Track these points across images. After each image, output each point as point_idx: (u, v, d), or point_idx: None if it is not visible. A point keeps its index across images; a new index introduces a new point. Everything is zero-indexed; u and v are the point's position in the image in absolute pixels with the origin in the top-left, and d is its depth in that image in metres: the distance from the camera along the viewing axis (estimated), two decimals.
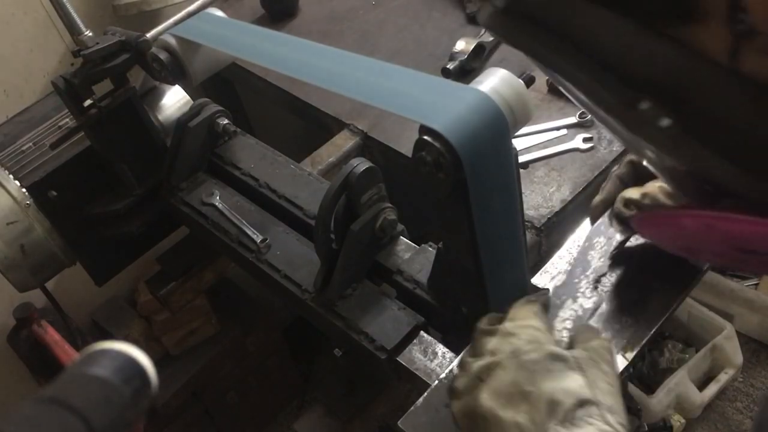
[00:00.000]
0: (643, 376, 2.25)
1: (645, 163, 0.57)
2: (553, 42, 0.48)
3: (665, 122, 0.45)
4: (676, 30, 0.43)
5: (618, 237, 1.01)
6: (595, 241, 1.03)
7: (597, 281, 0.99)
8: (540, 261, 1.15)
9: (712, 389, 2.22)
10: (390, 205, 1.08)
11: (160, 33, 1.26)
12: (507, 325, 0.76)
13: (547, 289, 0.93)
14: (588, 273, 1.00)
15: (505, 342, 0.74)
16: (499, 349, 0.73)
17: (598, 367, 0.72)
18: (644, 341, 0.98)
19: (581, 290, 0.98)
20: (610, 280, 0.98)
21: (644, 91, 0.45)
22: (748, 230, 0.49)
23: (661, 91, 0.45)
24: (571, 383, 0.69)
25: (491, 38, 1.65)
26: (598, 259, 1.01)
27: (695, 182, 0.54)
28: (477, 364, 0.74)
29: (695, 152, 0.47)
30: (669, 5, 0.43)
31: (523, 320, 0.77)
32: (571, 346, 0.77)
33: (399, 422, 0.92)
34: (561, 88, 0.54)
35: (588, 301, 0.97)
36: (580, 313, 0.95)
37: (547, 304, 0.82)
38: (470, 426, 0.73)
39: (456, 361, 0.78)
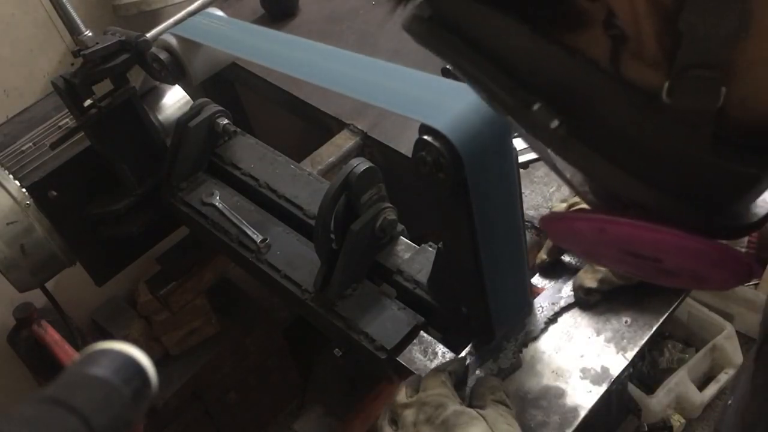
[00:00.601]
0: (643, 376, 2.24)
1: (548, 167, 0.59)
2: (460, 46, 0.50)
3: (554, 124, 0.47)
4: (565, 37, 0.45)
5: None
6: None
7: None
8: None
9: (712, 389, 2.22)
10: (390, 205, 1.08)
11: (160, 33, 1.26)
12: (421, 395, 0.87)
13: (464, 358, 0.99)
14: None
15: (420, 412, 0.85)
16: (417, 418, 0.85)
17: (496, 411, 0.85)
18: (644, 341, 0.98)
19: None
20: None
21: (537, 94, 0.47)
22: (635, 233, 0.50)
23: (553, 93, 0.47)
24: (476, 429, 0.81)
25: None
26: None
27: (594, 190, 0.56)
28: None
29: (582, 155, 0.48)
30: (555, 13, 0.44)
31: (432, 389, 0.87)
32: (472, 397, 0.90)
33: None
34: (474, 92, 0.56)
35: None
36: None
37: (459, 370, 0.92)
38: None
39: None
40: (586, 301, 1.02)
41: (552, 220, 0.60)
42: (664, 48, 0.41)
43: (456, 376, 0.91)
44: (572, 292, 1.03)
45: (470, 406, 0.88)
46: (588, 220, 0.55)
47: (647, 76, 0.43)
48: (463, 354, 1.01)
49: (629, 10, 0.41)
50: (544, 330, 1.01)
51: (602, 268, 1.00)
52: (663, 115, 0.43)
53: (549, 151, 0.52)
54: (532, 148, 0.62)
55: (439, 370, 0.92)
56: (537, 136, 0.50)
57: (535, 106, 0.47)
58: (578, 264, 1.06)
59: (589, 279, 1.01)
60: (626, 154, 0.47)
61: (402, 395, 0.90)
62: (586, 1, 0.43)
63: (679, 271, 0.53)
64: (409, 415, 0.86)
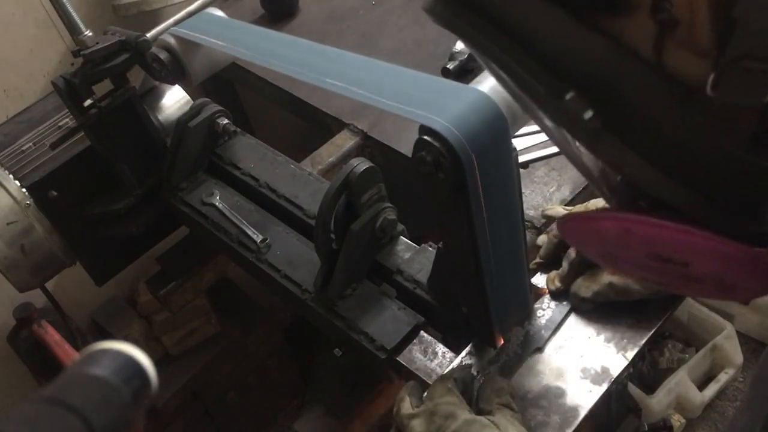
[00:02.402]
0: (643, 376, 2.24)
1: (570, 160, 0.57)
2: (488, 29, 0.48)
3: (588, 115, 0.45)
4: (604, 22, 0.43)
5: None
6: None
7: None
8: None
9: (712, 389, 2.22)
10: (390, 205, 1.08)
11: (160, 33, 1.26)
12: (428, 405, 0.86)
13: (469, 365, 0.99)
14: None
15: (430, 422, 0.83)
16: (424, 429, 0.83)
17: (505, 417, 0.84)
18: (644, 341, 0.98)
19: None
20: None
21: (570, 82, 0.45)
22: (664, 235, 0.48)
23: (587, 83, 0.45)
24: None
25: None
26: None
27: (616, 185, 0.54)
28: None
29: (614, 149, 0.46)
30: None
31: (440, 398, 0.86)
32: (479, 399, 0.89)
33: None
34: (494, 77, 0.54)
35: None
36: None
37: (466, 377, 0.92)
38: None
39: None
40: (579, 308, 1.02)
41: (572, 219, 0.58)
42: (715, 36, 0.39)
43: (462, 382, 0.90)
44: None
45: (477, 408, 0.87)
46: (614, 219, 0.52)
47: (693, 66, 0.41)
48: (463, 354, 1.01)
49: None
50: (548, 340, 1.01)
51: (601, 280, 0.99)
52: (704, 109, 0.41)
53: (575, 143, 0.50)
54: (553, 140, 0.60)
55: (445, 377, 0.91)
56: (566, 127, 0.48)
57: (568, 95, 0.45)
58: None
59: (585, 288, 1.00)
60: (660, 149, 0.45)
61: (407, 405, 0.87)
62: None
63: (705, 278, 0.51)
64: (417, 425, 0.84)
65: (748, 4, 0.37)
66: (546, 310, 1.03)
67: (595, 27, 0.43)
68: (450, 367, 0.99)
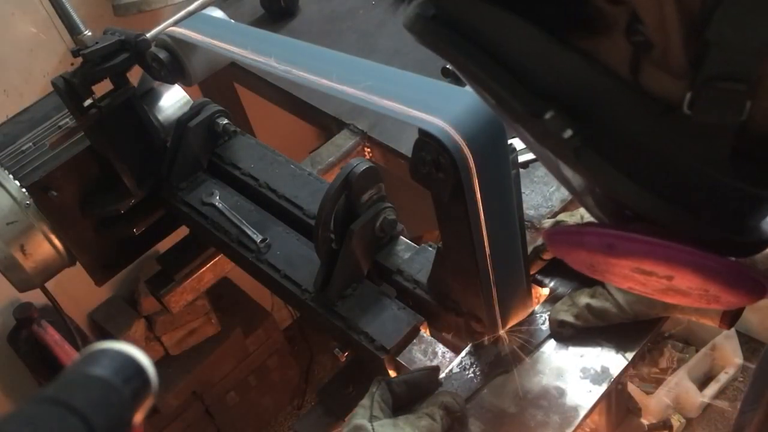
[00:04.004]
0: (643, 376, 2.25)
1: (553, 175, 0.57)
2: (467, 48, 0.48)
3: (567, 133, 0.45)
4: (582, 41, 0.43)
5: None
6: None
7: None
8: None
9: (712, 389, 2.22)
10: (390, 204, 1.08)
11: (160, 33, 1.25)
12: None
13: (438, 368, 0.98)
14: None
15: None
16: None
17: (409, 422, 0.87)
18: (644, 341, 0.98)
19: None
20: None
21: (549, 101, 0.46)
22: (646, 250, 0.49)
23: (566, 101, 0.45)
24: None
25: None
26: None
27: (599, 201, 0.54)
28: None
29: (595, 166, 0.46)
30: (575, 16, 0.43)
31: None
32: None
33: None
34: (477, 94, 0.54)
35: None
36: None
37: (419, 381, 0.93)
38: None
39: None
40: (558, 334, 0.99)
41: (557, 233, 0.58)
42: (689, 57, 0.39)
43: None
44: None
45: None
46: (597, 234, 0.53)
47: (668, 86, 0.41)
48: (463, 354, 1.01)
49: (656, 17, 0.39)
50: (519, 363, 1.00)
51: (580, 302, 0.98)
52: (681, 128, 0.42)
53: (557, 160, 0.51)
54: (537, 156, 0.60)
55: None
56: (547, 145, 0.48)
57: (548, 115, 0.45)
58: None
59: (565, 312, 0.99)
60: (640, 166, 0.45)
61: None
62: (609, 4, 0.41)
63: (690, 290, 0.51)
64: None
65: (722, 25, 0.37)
66: (523, 333, 1.02)
67: (572, 46, 0.44)
68: (449, 368, 0.99)
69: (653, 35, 0.40)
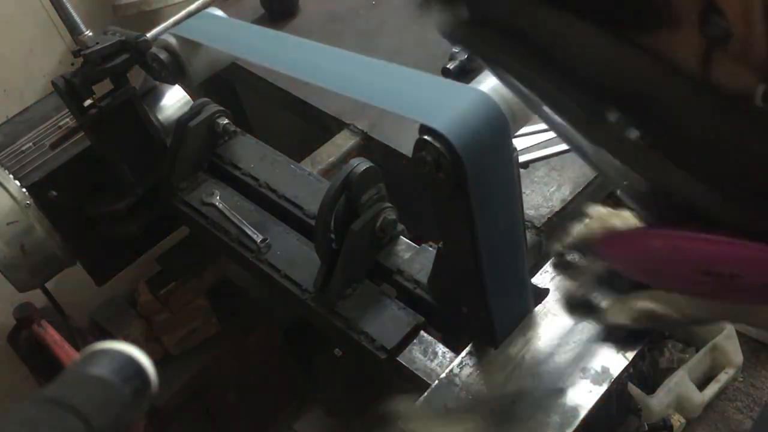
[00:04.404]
0: (643, 376, 2.24)
1: (606, 182, 0.55)
2: (519, 51, 0.46)
3: (633, 134, 0.44)
4: (647, 38, 0.42)
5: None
6: None
7: None
8: (540, 261, 1.15)
9: (712, 389, 2.22)
10: (390, 205, 1.08)
11: (160, 33, 1.26)
12: None
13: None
14: None
15: None
16: None
17: None
18: (644, 341, 0.98)
19: None
20: None
21: (609, 102, 0.44)
22: (717, 250, 0.48)
23: (626, 101, 0.44)
24: None
25: None
26: None
27: (660, 202, 0.53)
28: None
29: (661, 167, 0.45)
30: (640, 11, 0.41)
31: None
32: None
33: (399, 422, 0.92)
34: (522, 101, 0.52)
35: None
36: None
37: None
38: None
39: None
40: (612, 334, 0.96)
41: (617, 238, 0.56)
42: None
43: None
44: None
45: None
46: (663, 236, 0.51)
47: (742, 78, 0.40)
48: (463, 354, 1.01)
49: (740, 6, 0.37)
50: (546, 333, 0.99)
51: (639, 306, 0.92)
52: (751, 120, 0.40)
53: (613, 163, 0.48)
54: (588, 161, 0.58)
55: None
56: (608, 148, 0.46)
57: (612, 117, 0.44)
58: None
59: (621, 316, 0.93)
60: (705, 162, 0.44)
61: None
62: None
63: (757, 288, 0.50)
64: None
65: None
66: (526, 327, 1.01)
67: (632, 43, 0.42)
68: (449, 368, 0.99)
69: (734, 26, 0.39)
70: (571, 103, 0.46)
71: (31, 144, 1.35)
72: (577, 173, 1.36)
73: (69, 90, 1.23)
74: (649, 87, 0.43)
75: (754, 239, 0.46)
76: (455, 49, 1.61)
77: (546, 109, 0.50)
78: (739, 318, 0.91)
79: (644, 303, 0.92)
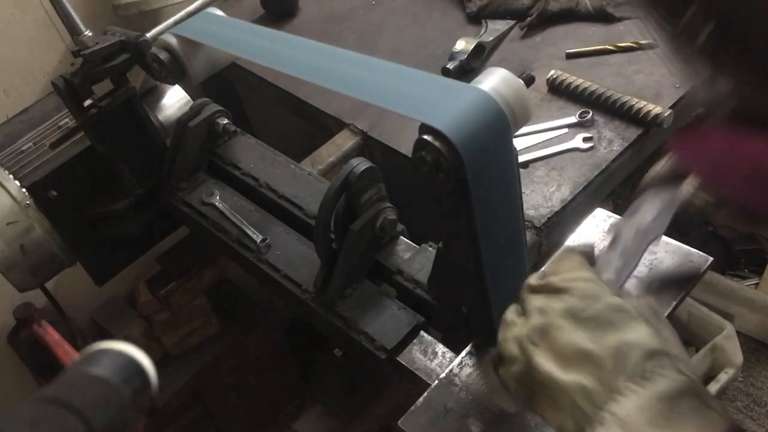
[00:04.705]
0: None
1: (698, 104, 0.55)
2: None
3: (708, 29, 0.44)
4: None
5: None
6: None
7: None
8: (540, 261, 1.15)
9: (712, 389, 2.22)
10: (390, 204, 1.08)
11: (160, 33, 1.26)
12: (554, 280, 0.70)
13: (592, 244, 0.84)
14: None
15: (556, 300, 0.68)
16: (551, 308, 0.68)
17: (658, 317, 0.67)
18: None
19: None
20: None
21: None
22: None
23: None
24: (638, 334, 0.62)
25: (491, 38, 1.65)
26: None
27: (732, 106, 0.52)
28: (528, 326, 0.69)
29: (734, 64, 0.46)
30: None
31: (570, 272, 0.70)
32: None
33: (399, 422, 0.92)
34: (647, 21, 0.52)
35: None
36: None
37: (590, 254, 0.75)
38: (527, 394, 0.68)
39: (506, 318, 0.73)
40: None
41: (684, 132, 0.54)
42: None
43: (589, 259, 0.74)
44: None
45: None
46: (719, 138, 0.50)
47: None
48: (463, 354, 1.01)
49: None
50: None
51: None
52: None
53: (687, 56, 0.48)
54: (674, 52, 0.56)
55: (571, 249, 0.74)
56: (690, 46, 0.46)
57: (691, 9, 0.44)
58: None
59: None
60: None
61: (534, 278, 0.73)
62: None
63: None
64: (537, 300, 0.70)
65: None
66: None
67: None
68: (449, 368, 0.99)
69: None
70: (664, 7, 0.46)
71: (31, 144, 1.35)
72: (577, 173, 1.37)
73: (69, 90, 1.23)
74: None
75: None
76: (455, 49, 1.61)
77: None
78: None
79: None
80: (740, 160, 0.50)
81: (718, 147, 0.51)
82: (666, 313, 0.93)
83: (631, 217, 0.87)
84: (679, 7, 0.44)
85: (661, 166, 0.88)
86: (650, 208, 0.86)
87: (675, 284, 0.97)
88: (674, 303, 0.96)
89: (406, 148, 1.37)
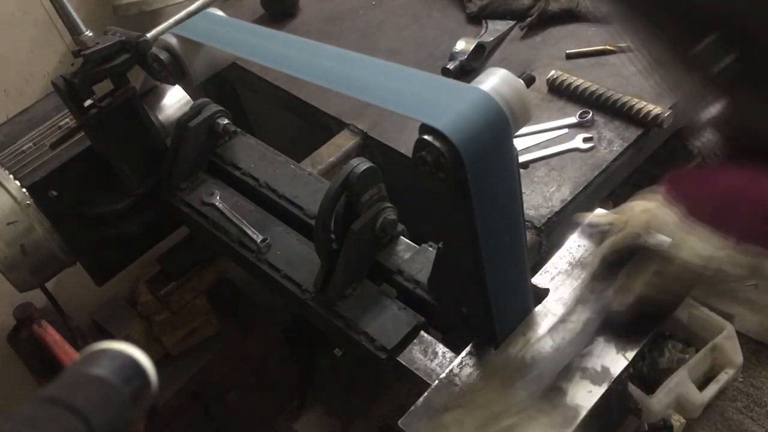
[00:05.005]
0: (643, 376, 2.24)
1: (686, 118, 0.55)
2: None
3: (728, 59, 0.43)
4: None
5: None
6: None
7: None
8: (540, 261, 1.15)
9: (712, 389, 2.22)
10: (390, 204, 1.08)
11: (161, 33, 1.26)
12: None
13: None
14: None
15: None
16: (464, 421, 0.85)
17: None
18: (644, 341, 0.98)
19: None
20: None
21: (707, 27, 0.43)
22: None
23: (724, 27, 0.43)
24: None
25: (491, 38, 1.65)
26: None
27: (737, 140, 0.51)
28: None
29: (751, 98, 0.44)
30: None
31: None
32: None
33: (399, 422, 0.92)
34: (625, 35, 0.51)
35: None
36: None
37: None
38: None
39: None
40: (611, 320, 0.96)
41: (683, 175, 0.55)
42: None
43: None
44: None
45: None
46: (733, 174, 0.50)
47: None
48: (463, 354, 1.01)
49: None
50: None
51: (634, 289, 0.94)
52: None
53: (692, 94, 0.47)
54: (675, 89, 0.56)
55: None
56: (700, 74, 0.45)
57: (710, 38, 0.43)
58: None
59: (619, 303, 0.95)
60: None
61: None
62: None
63: None
64: (447, 416, 0.86)
65: None
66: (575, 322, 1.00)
67: None
68: (449, 368, 0.99)
69: None
70: (674, 23, 0.45)
71: (31, 144, 1.35)
72: (577, 173, 1.37)
73: (69, 90, 1.23)
74: (745, 11, 0.42)
75: None
76: (455, 49, 1.61)
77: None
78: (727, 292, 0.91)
79: (638, 287, 0.92)
80: (754, 199, 0.49)
81: (729, 187, 0.50)
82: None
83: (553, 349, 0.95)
84: (694, 34, 0.44)
85: (618, 235, 0.95)
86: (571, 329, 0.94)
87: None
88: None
89: (406, 148, 1.37)
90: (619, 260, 0.96)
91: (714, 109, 0.51)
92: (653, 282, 0.91)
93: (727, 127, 0.52)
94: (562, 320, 0.99)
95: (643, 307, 0.94)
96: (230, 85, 2.06)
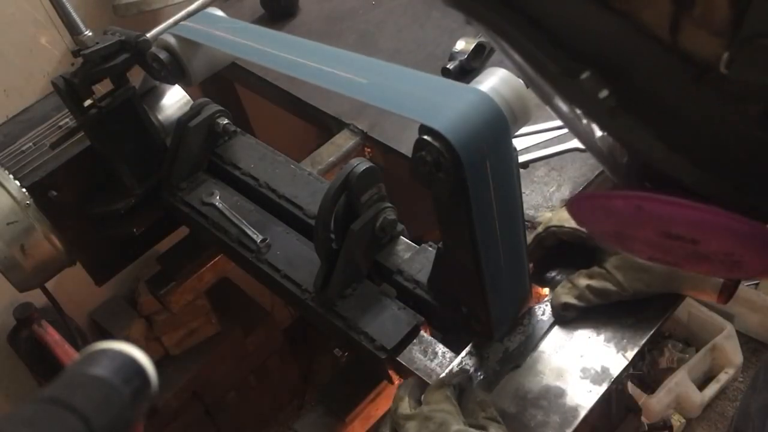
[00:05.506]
0: (643, 376, 2.25)
1: (582, 142, 0.57)
2: (503, 10, 0.48)
3: (603, 94, 0.45)
4: (619, 2, 0.43)
5: None
6: None
7: None
8: None
9: (712, 389, 2.22)
10: (390, 204, 1.08)
11: (160, 33, 1.26)
12: (424, 409, 0.88)
13: (467, 371, 0.99)
14: None
15: (423, 426, 0.86)
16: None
17: (498, 430, 0.86)
18: (644, 341, 0.98)
19: None
20: None
21: (585, 62, 0.46)
22: (675, 212, 0.49)
23: (601, 62, 0.45)
24: None
25: None
26: None
27: (629, 166, 0.54)
28: None
29: (628, 128, 0.47)
30: None
31: (436, 404, 0.88)
32: (463, 413, 0.89)
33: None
34: (509, 60, 0.53)
35: None
36: None
37: (464, 383, 0.92)
38: None
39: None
40: (562, 318, 1.01)
41: (583, 198, 0.57)
42: (732, 15, 0.39)
43: (460, 389, 0.92)
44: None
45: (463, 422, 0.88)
46: (625, 197, 0.52)
47: (708, 45, 0.41)
48: (463, 354, 1.01)
49: None
50: (547, 332, 1.01)
51: (580, 283, 0.99)
52: (717, 88, 0.41)
53: (588, 124, 0.49)
54: (565, 122, 0.60)
55: (444, 383, 0.92)
56: (581, 107, 0.48)
57: (584, 75, 0.45)
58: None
59: (566, 295, 0.99)
60: (673, 127, 0.45)
61: (405, 406, 0.90)
62: None
63: (714, 255, 0.51)
64: (411, 428, 0.87)
65: None
66: (527, 325, 1.02)
67: (609, 7, 0.43)
68: (449, 368, 0.99)
69: None
70: (550, 61, 0.47)
71: (31, 144, 1.35)
72: (577, 173, 1.36)
73: (69, 90, 1.23)
74: (620, 49, 0.45)
75: (716, 205, 0.47)
76: (455, 49, 1.61)
77: (556, 99, 0.52)
78: (673, 286, 0.96)
79: (584, 280, 0.96)
80: (646, 220, 0.51)
81: (624, 208, 0.52)
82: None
83: None
84: (573, 69, 0.46)
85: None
86: None
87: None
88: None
89: (406, 148, 1.37)
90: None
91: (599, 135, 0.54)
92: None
93: (613, 159, 0.54)
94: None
95: (589, 301, 0.98)
96: (230, 85, 2.06)
